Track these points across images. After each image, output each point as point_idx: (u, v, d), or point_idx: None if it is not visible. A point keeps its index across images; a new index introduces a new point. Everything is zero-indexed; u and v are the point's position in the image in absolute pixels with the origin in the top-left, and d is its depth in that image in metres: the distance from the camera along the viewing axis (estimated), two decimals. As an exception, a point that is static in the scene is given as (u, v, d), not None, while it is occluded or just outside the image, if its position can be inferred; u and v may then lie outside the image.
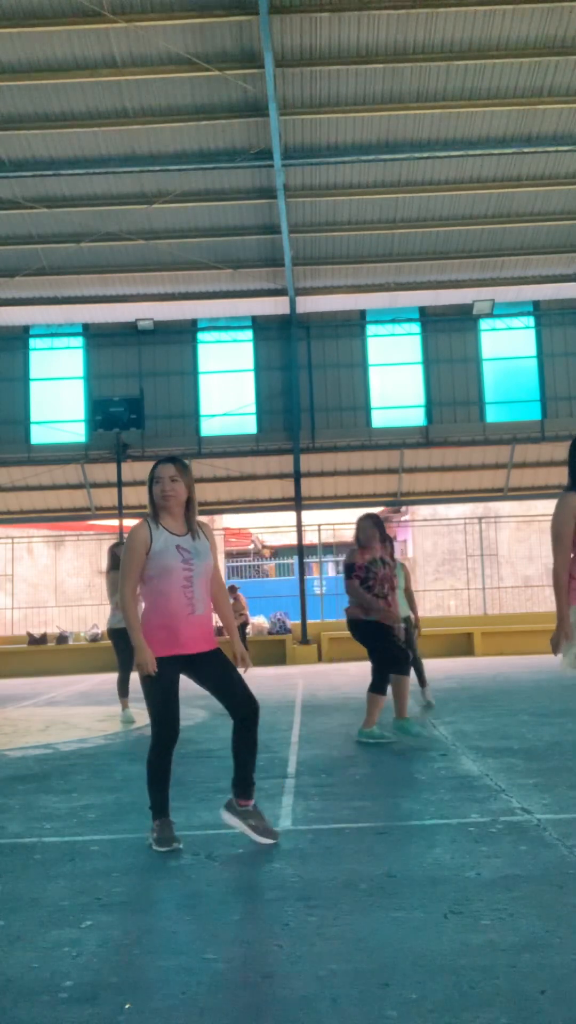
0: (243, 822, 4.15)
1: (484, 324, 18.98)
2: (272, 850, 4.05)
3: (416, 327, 19.10)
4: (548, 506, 23.76)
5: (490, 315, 18.65)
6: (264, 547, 29.74)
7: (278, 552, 29.25)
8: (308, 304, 18.58)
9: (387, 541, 7.14)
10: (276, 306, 18.60)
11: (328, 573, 23.77)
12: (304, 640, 17.62)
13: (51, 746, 7.54)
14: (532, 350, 19.04)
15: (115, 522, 18.44)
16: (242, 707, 4.15)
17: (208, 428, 18.90)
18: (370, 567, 6.89)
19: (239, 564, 27.24)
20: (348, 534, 30.61)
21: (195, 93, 14.60)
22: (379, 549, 6.97)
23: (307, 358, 18.73)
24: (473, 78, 14.51)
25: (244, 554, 28.51)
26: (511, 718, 8.04)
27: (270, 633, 17.83)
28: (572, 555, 4.55)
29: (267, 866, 3.83)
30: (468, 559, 21.82)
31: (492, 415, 18.90)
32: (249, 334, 19.11)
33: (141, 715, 9.07)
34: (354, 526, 7.14)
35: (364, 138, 15.41)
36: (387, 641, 6.88)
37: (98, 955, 2.91)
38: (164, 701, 4.15)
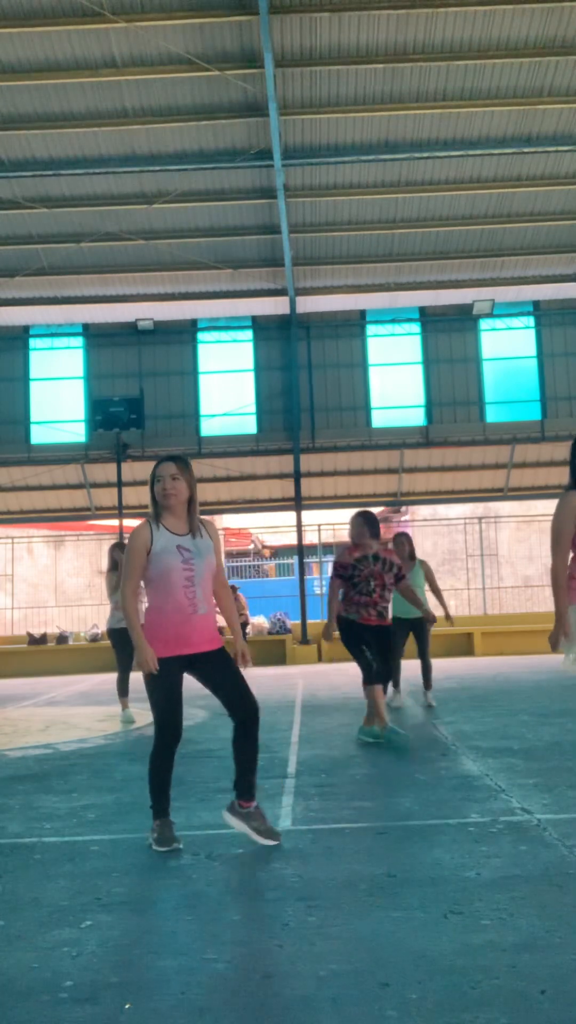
0: (245, 824, 4.15)
1: (484, 324, 18.98)
2: (272, 850, 4.05)
3: (416, 327, 19.10)
4: (548, 506, 23.76)
5: (490, 315, 18.65)
6: (264, 547, 29.74)
7: (278, 552, 29.25)
8: (308, 304, 18.58)
9: (391, 539, 7.15)
10: (276, 306, 18.60)
11: (328, 573, 23.74)
12: (304, 640, 17.62)
13: (51, 746, 7.54)
14: (532, 350, 19.04)
15: (115, 522, 18.44)
16: (241, 709, 4.15)
17: (208, 428, 18.90)
18: (357, 564, 6.86)
19: (239, 564, 27.24)
20: (348, 534, 30.69)
21: (195, 93, 14.60)
22: (373, 546, 6.92)
23: (307, 358, 18.73)
24: (473, 78, 14.51)
25: (244, 554, 28.50)
26: (511, 718, 8.04)
27: (270, 633, 17.83)
28: (572, 555, 4.55)
29: (267, 866, 3.83)
30: (468, 559, 21.81)
31: (492, 415, 18.91)
32: (249, 334, 19.11)
33: (141, 715, 9.08)
34: (347, 526, 7.17)
35: (364, 138, 15.41)
36: (358, 648, 6.84)
37: (98, 955, 2.91)
38: (167, 703, 4.14)
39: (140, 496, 18.85)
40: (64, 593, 23.67)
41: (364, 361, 18.93)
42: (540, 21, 13.70)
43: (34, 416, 18.91)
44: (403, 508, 25.27)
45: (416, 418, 18.85)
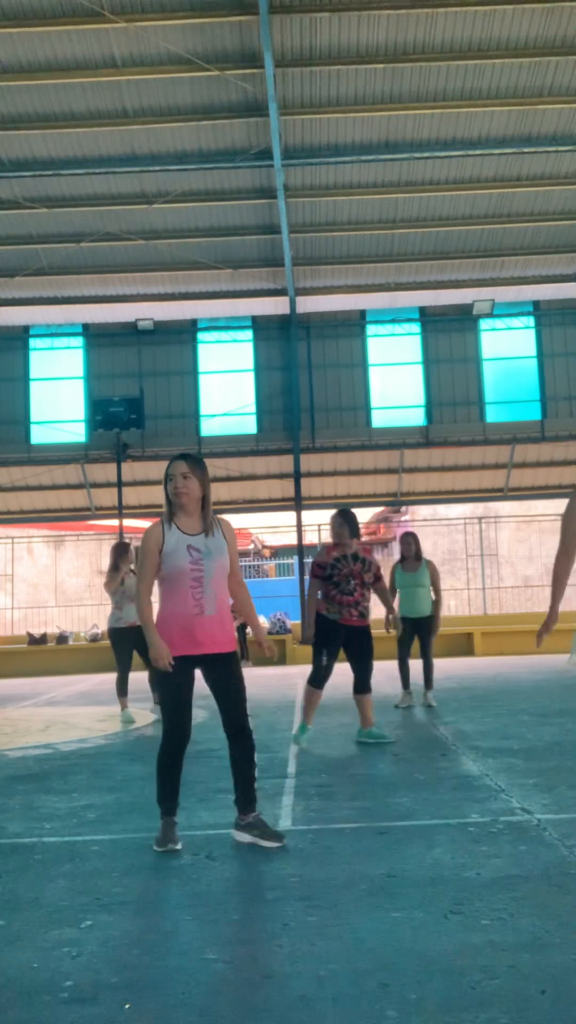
0: (250, 834, 4.17)
1: (484, 324, 18.98)
2: (272, 850, 4.05)
3: (416, 327, 19.10)
4: (548, 506, 23.86)
5: (490, 315, 18.65)
6: (264, 547, 29.76)
7: (278, 552, 29.27)
8: (308, 304, 18.58)
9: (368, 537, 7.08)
10: (276, 306, 18.60)
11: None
12: (304, 640, 17.60)
13: (51, 746, 7.54)
14: (532, 350, 19.04)
15: (115, 522, 18.44)
16: (232, 725, 4.18)
17: (208, 428, 18.90)
18: (336, 564, 6.84)
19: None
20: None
21: (195, 93, 14.60)
22: (352, 545, 6.87)
23: (307, 358, 18.73)
24: (473, 78, 14.51)
25: (244, 554, 28.52)
26: (511, 718, 8.04)
27: (270, 633, 17.83)
28: None
29: (267, 866, 3.83)
30: (468, 559, 21.81)
31: (492, 415, 18.90)
32: (249, 334, 19.11)
33: (141, 715, 9.09)
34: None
35: (364, 138, 15.41)
36: (319, 650, 6.87)
37: (98, 955, 2.91)
38: (172, 703, 4.15)
39: (140, 496, 18.87)
40: (64, 593, 23.67)
41: (364, 361, 18.93)
42: (540, 21, 13.69)
43: (34, 416, 18.91)
44: (403, 508, 25.28)
45: (416, 418, 18.85)
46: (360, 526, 7.13)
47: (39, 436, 18.81)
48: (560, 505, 19.67)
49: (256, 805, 4.21)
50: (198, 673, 4.21)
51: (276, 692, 11.51)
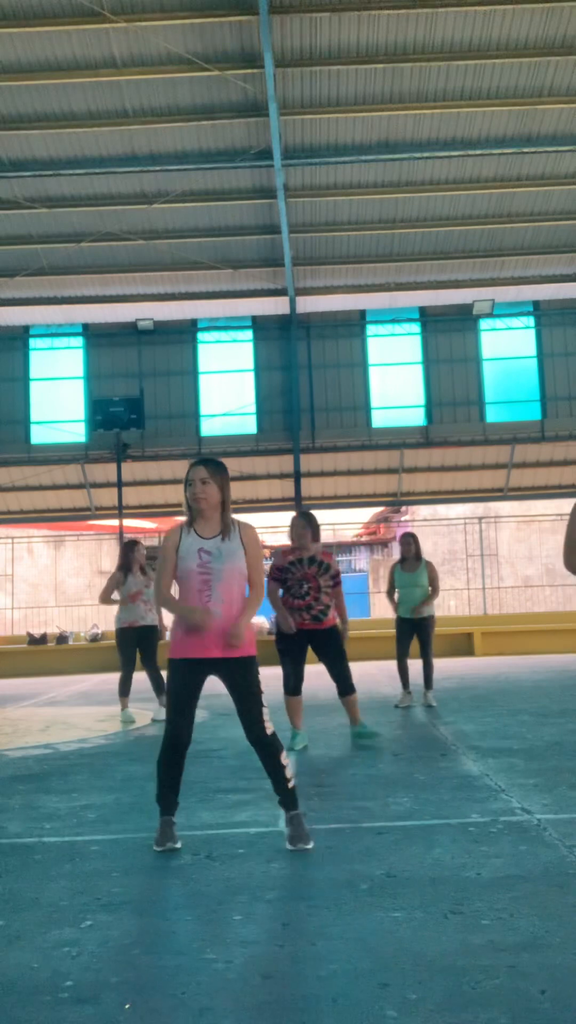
0: (285, 830, 4.18)
1: (484, 324, 18.98)
2: (272, 850, 4.05)
3: (416, 327, 19.10)
4: (548, 506, 23.84)
5: (490, 315, 18.66)
6: (264, 547, 29.72)
7: (278, 552, 29.21)
8: (308, 304, 18.58)
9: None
10: (276, 306, 18.60)
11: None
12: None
13: (51, 746, 7.53)
14: (532, 350, 19.05)
15: (115, 522, 18.45)
16: (248, 734, 4.16)
17: (208, 428, 18.91)
18: (290, 567, 6.74)
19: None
20: (349, 534, 30.72)
21: (195, 93, 14.60)
22: (311, 548, 6.73)
23: (307, 358, 18.73)
24: (473, 78, 14.52)
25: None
26: (511, 718, 8.04)
27: (270, 633, 17.76)
28: None
29: (267, 866, 3.83)
30: (468, 559, 21.82)
31: (492, 415, 18.91)
32: (249, 334, 19.12)
33: (141, 715, 9.08)
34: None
35: (364, 138, 15.42)
36: (282, 657, 6.78)
37: (98, 955, 2.91)
38: (173, 702, 4.15)
39: (140, 496, 18.88)
40: (64, 593, 23.69)
41: (364, 361, 18.93)
42: (540, 21, 13.70)
43: (34, 416, 18.91)
44: (403, 508, 25.30)
45: (416, 418, 18.85)
46: (320, 528, 6.93)
47: (39, 436, 18.81)
48: (560, 505, 19.69)
49: (294, 805, 4.17)
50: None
51: (276, 692, 11.48)
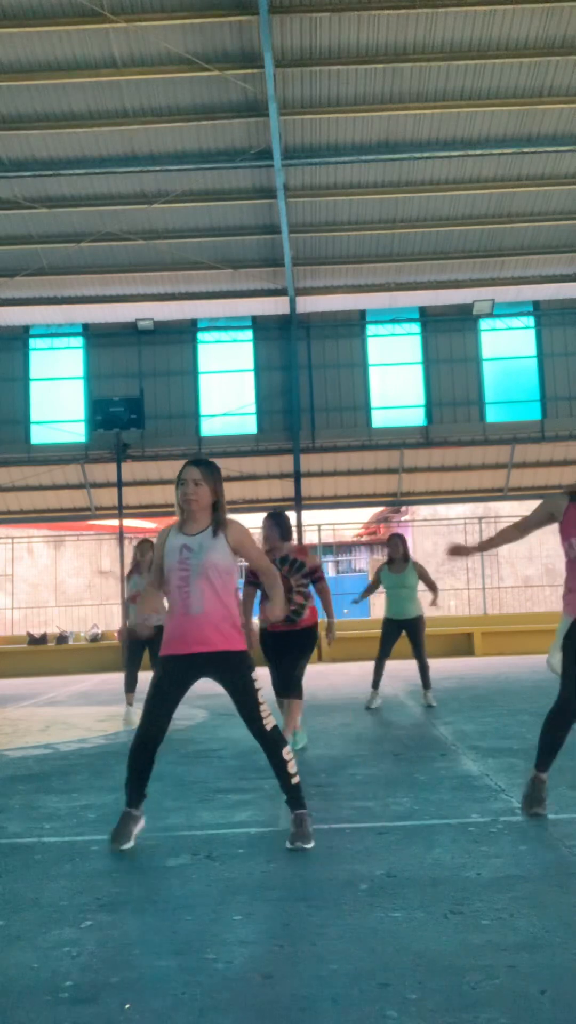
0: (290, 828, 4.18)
1: (484, 324, 18.98)
2: (272, 850, 4.05)
3: (416, 327, 19.10)
4: (548, 506, 23.49)
5: (490, 315, 18.65)
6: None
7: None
8: (308, 304, 18.58)
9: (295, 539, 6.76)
10: (276, 306, 18.60)
11: (328, 573, 23.77)
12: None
13: (51, 746, 7.54)
14: (532, 350, 19.05)
15: (115, 522, 18.44)
16: (250, 728, 4.15)
17: (208, 428, 18.90)
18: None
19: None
20: (349, 534, 30.70)
21: (195, 93, 14.60)
22: (283, 548, 6.58)
23: (307, 358, 18.73)
24: (473, 78, 14.51)
25: (244, 554, 28.48)
26: (511, 718, 8.04)
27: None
28: (568, 570, 4.65)
29: (267, 866, 3.83)
30: (468, 559, 21.82)
31: (492, 415, 18.91)
32: (249, 334, 19.11)
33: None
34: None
35: (364, 138, 15.41)
36: (268, 662, 6.66)
37: (98, 955, 2.91)
38: (151, 701, 4.15)
39: (140, 496, 18.88)
40: (64, 593, 23.69)
41: (364, 361, 18.93)
42: (540, 21, 13.70)
43: (34, 416, 18.91)
44: (403, 508, 25.30)
45: (416, 418, 18.85)
46: (291, 527, 6.81)
47: (39, 436, 18.81)
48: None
49: (300, 804, 4.15)
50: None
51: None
